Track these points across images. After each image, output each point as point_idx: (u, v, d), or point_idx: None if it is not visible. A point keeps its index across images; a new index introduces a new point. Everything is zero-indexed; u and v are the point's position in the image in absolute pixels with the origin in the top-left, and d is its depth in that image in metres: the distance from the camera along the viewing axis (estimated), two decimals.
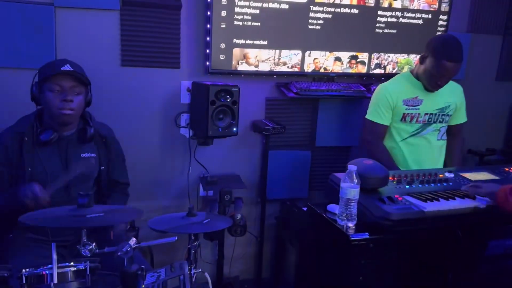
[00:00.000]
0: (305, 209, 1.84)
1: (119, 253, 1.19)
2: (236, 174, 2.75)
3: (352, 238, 1.49)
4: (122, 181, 2.04)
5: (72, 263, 1.25)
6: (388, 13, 2.80)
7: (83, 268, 1.24)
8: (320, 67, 2.76)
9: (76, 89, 1.74)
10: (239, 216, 2.51)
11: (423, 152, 2.38)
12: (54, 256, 1.19)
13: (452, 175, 1.91)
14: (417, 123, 2.33)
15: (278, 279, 2.93)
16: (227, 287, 2.75)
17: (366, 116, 2.35)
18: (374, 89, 2.43)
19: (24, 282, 1.19)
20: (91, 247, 1.23)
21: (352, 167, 1.52)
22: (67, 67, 1.71)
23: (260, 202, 2.80)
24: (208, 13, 2.45)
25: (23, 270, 1.19)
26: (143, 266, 1.24)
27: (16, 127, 1.79)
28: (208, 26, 2.47)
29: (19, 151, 1.73)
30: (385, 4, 2.77)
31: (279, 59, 2.65)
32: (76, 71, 1.73)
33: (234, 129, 2.43)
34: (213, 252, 2.75)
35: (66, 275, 1.22)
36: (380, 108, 2.30)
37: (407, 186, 1.74)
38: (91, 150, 1.86)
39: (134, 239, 1.25)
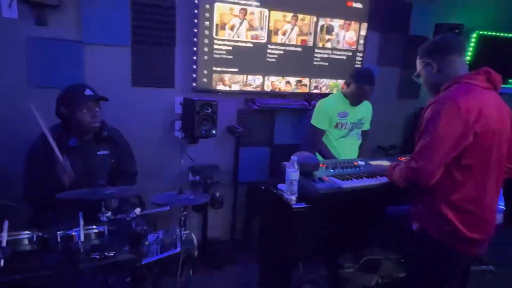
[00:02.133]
0: (263, 188, 1.92)
1: (127, 219, 1.24)
2: (216, 164, 2.80)
3: (294, 207, 1.58)
4: (129, 170, 2.03)
5: (94, 226, 1.30)
6: (322, 51, 2.92)
7: (103, 230, 1.29)
8: (276, 88, 2.84)
9: (97, 105, 1.77)
10: (217, 194, 2.56)
11: (348, 148, 2.51)
12: (81, 222, 1.23)
13: (363, 162, 2.02)
14: (345, 129, 2.46)
15: (246, 239, 3.01)
16: (209, 245, 2.81)
17: (311, 122, 2.46)
18: (314, 104, 2.55)
19: (59, 241, 1.22)
20: (107, 214, 1.28)
21: (294, 158, 1.60)
22: (89, 92, 1.74)
23: (233, 184, 2.85)
24: (195, 48, 2.51)
25: (58, 232, 1.23)
26: (145, 228, 1.29)
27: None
28: (195, 57, 2.53)
29: (50, 155, 1.68)
30: (320, 45, 2.90)
31: (246, 81, 2.73)
32: (96, 94, 1.75)
33: (214, 131, 2.49)
34: (200, 221, 2.80)
35: (90, 235, 1.27)
36: (321, 117, 2.41)
37: (331, 170, 1.84)
38: (105, 148, 1.87)
39: (138, 209, 1.30)
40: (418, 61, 1.53)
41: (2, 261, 1.07)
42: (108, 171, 1.91)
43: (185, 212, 1.67)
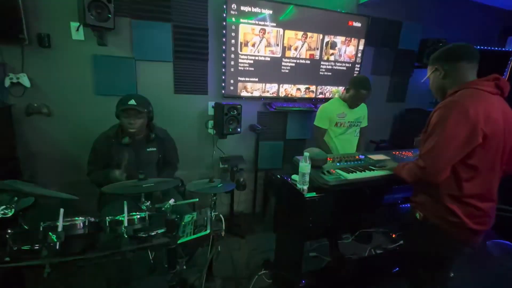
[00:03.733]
0: (278, 176, 1.72)
1: (163, 208, 1.07)
2: (240, 155, 2.61)
3: (306, 196, 1.37)
4: (172, 161, 1.89)
5: (137, 213, 1.14)
6: (327, 63, 2.63)
7: (144, 215, 1.13)
8: (288, 94, 2.59)
9: (138, 114, 1.59)
10: (242, 179, 2.39)
11: (347, 143, 2.24)
12: (125, 209, 1.06)
13: (363, 156, 1.79)
14: (344, 127, 2.19)
15: (264, 213, 2.81)
16: (235, 217, 2.65)
17: (314, 123, 2.20)
18: (319, 107, 2.29)
19: (107, 225, 1.07)
20: (147, 203, 1.11)
21: (306, 153, 1.39)
22: (132, 102, 1.57)
23: (254, 171, 2.67)
24: (224, 62, 2.29)
25: (106, 218, 1.07)
26: (178, 216, 1.12)
27: (108, 132, 1.67)
28: (223, 70, 2.31)
29: (109, 148, 1.60)
30: (325, 58, 2.60)
31: (265, 89, 2.49)
32: (136, 105, 1.57)
33: (239, 129, 2.29)
34: (228, 198, 2.62)
35: (133, 220, 1.11)
36: (323, 118, 2.15)
37: (338, 164, 1.62)
38: (153, 146, 1.73)
39: (173, 199, 1.12)
40: (428, 67, 1.24)
41: (58, 244, 0.93)
42: (156, 163, 1.78)
43: (215, 197, 1.49)
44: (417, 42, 3.02)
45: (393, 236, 2.41)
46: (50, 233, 0.93)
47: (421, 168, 1.08)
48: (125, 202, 1.07)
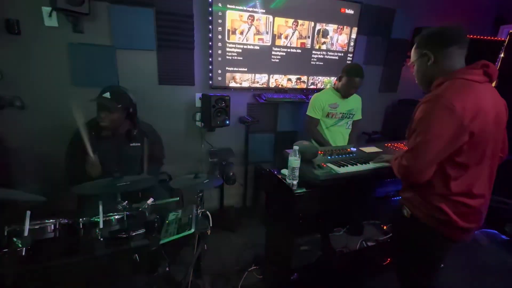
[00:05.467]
0: (268, 170, 1.66)
1: (140, 209, 1.00)
2: (230, 148, 2.53)
3: (295, 192, 1.31)
4: (158, 157, 1.79)
5: (115, 213, 1.06)
6: (318, 52, 2.54)
7: (123, 216, 1.05)
8: (279, 84, 2.51)
9: (111, 109, 1.48)
10: (231, 173, 2.32)
11: (337, 135, 2.19)
12: (100, 210, 0.98)
13: (354, 149, 1.73)
14: (336, 118, 2.13)
15: (255, 207, 2.76)
16: (225, 211, 2.60)
17: (307, 113, 2.14)
18: (311, 97, 2.22)
19: (81, 227, 0.99)
20: (124, 204, 1.03)
21: (296, 147, 1.32)
22: (106, 95, 1.46)
23: (244, 164, 2.59)
24: (210, 51, 2.17)
25: (80, 219, 0.99)
26: (158, 216, 1.05)
27: (87, 125, 1.54)
28: (210, 59, 2.19)
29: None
30: (317, 47, 2.51)
31: (254, 79, 2.39)
32: (110, 99, 1.45)
33: (227, 122, 2.20)
34: (218, 192, 2.57)
35: (110, 221, 1.03)
36: (315, 108, 2.09)
37: (329, 157, 1.55)
38: (137, 141, 1.63)
39: (151, 198, 1.05)
40: (413, 51, 1.10)
41: (24, 250, 0.85)
42: (140, 159, 1.68)
43: (201, 194, 1.42)
44: (410, 31, 2.95)
45: (384, 227, 2.40)
46: (14, 238, 0.85)
47: (404, 167, 1.02)
48: (100, 202, 0.99)
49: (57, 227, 0.95)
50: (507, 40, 2.98)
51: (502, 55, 3.03)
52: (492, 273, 2.07)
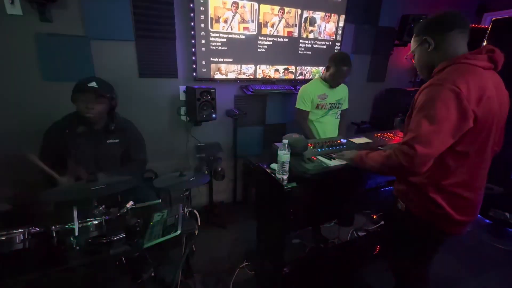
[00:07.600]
0: (256, 164, 1.61)
1: (118, 214, 0.92)
2: (218, 142, 2.45)
3: (285, 188, 1.26)
4: (138, 158, 1.63)
5: (93, 219, 0.98)
6: (306, 41, 2.47)
7: (100, 221, 0.97)
8: (266, 75, 2.43)
9: (98, 99, 1.39)
10: (219, 169, 2.26)
11: (328, 126, 2.15)
12: (75, 216, 0.90)
13: (345, 140, 1.70)
14: (325, 109, 2.09)
15: (245, 202, 2.73)
16: (215, 207, 2.55)
17: (296, 106, 2.08)
18: (299, 88, 2.16)
19: (54, 235, 0.91)
20: (100, 208, 0.95)
21: (285, 140, 1.26)
22: (93, 84, 1.35)
23: (233, 159, 2.54)
24: (193, 41, 2.06)
25: (52, 227, 0.91)
26: (139, 220, 0.97)
27: (60, 122, 1.44)
28: (194, 50, 2.08)
29: (62, 139, 1.39)
30: (304, 36, 2.44)
31: (241, 70, 2.31)
32: (98, 87, 1.36)
33: (214, 115, 2.12)
34: (207, 189, 2.50)
35: (88, 227, 0.95)
36: (304, 100, 2.04)
37: (319, 150, 1.51)
38: (115, 138, 1.53)
39: (131, 202, 0.98)
40: (413, 40, 1.05)
41: None
42: (119, 156, 1.58)
43: (187, 193, 1.36)
44: (398, 18, 2.93)
45: (374, 217, 2.43)
46: None
47: (408, 156, 0.92)
48: (74, 207, 0.90)
49: (27, 236, 0.86)
50: (490, 27, 3.02)
51: (485, 43, 3.07)
52: (476, 256, 2.14)
